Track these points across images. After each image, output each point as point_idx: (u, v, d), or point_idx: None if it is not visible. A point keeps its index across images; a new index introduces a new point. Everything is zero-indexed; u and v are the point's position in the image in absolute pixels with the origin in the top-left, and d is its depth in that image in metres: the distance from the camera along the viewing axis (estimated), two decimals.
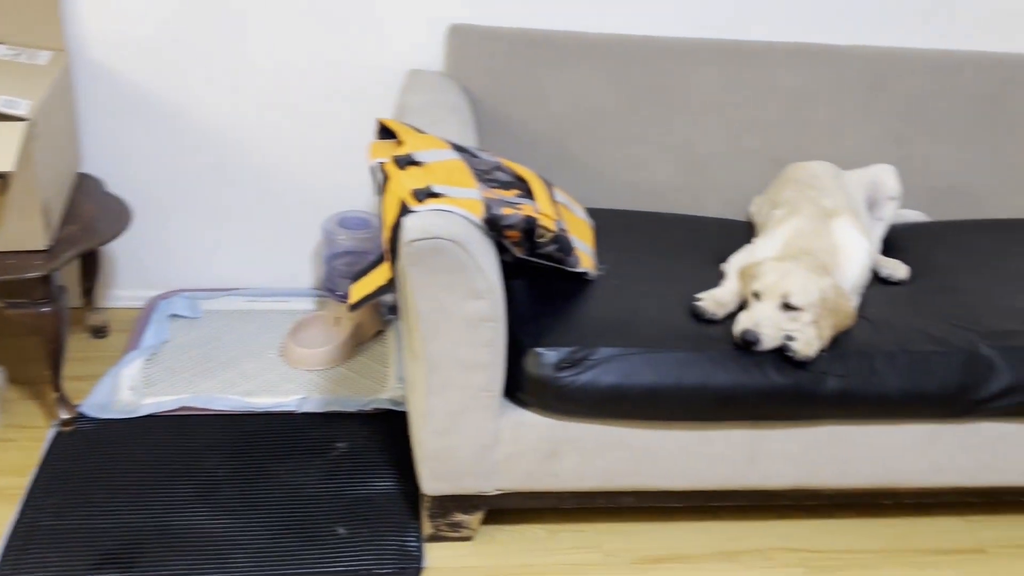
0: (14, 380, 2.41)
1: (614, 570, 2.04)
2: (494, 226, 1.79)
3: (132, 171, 2.62)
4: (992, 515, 2.26)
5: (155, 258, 2.75)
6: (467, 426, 1.89)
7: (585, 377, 1.86)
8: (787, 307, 1.91)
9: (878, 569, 2.09)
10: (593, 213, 2.40)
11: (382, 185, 1.89)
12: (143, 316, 2.66)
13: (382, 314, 2.72)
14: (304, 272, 2.83)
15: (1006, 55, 2.62)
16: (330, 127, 2.62)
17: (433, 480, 1.96)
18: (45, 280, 2.08)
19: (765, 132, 2.59)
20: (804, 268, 1.96)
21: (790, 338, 1.90)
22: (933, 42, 2.66)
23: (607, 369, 1.87)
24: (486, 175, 1.93)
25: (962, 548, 2.17)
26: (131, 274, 2.76)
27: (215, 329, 2.65)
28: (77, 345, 2.57)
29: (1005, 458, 2.08)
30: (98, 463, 2.16)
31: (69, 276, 2.63)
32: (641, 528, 2.15)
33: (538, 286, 2.02)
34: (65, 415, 2.25)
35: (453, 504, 2.01)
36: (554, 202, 2.02)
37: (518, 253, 1.95)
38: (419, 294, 1.76)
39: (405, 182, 1.80)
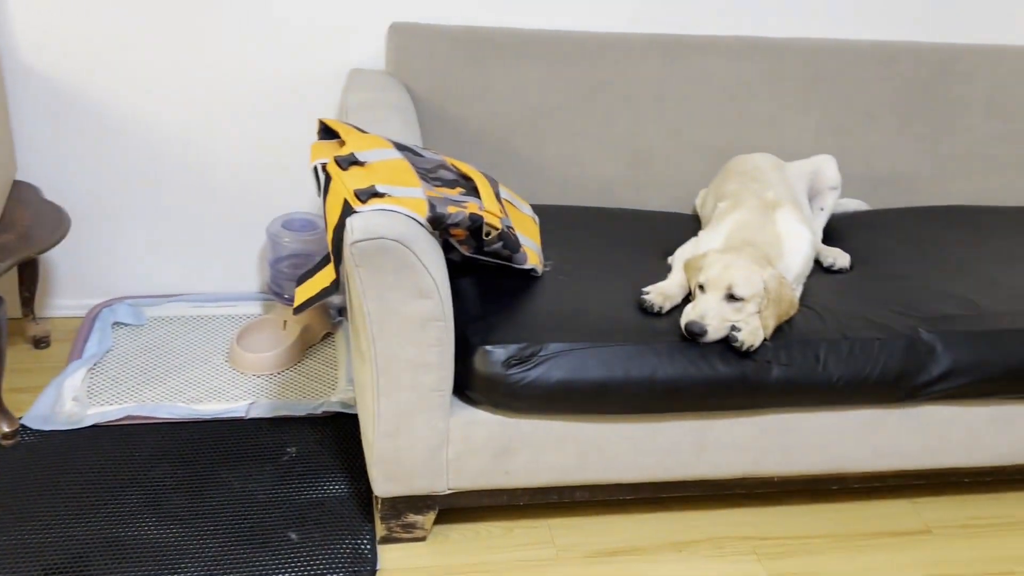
0: None
1: (568, 564, 2.04)
2: (439, 225, 1.79)
3: (70, 177, 2.57)
4: (936, 496, 2.31)
5: (96, 265, 2.70)
6: (417, 426, 1.89)
7: (534, 373, 1.86)
8: (731, 298, 1.94)
9: (828, 553, 2.13)
10: (538, 209, 2.41)
11: (325, 186, 1.88)
12: (85, 325, 2.62)
13: (330, 316, 2.70)
14: (250, 276, 2.80)
15: (940, 45, 2.68)
16: (271, 128, 2.60)
17: (385, 482, 1.95)
18: None
19: (707, 125, 2.62)
20: (747, 259, 1.98)
21: (735, 329, 1.92)
22: (868, 33, 2.71)
23: (556, 365, 1.87)
24: (430, 174, 1.92)
25: (909, 530, 2.21)
26: (72, 282, 2.71)
27: (160, 336, 2.62)
28: (18, 356, 2.52)
29: (947, 440, 2.13)
30: (42, 476, 2.12)
31: (8, 286, 2.58)
32: (594, 521, 2.16)
33: (485, 284, 2.02)
34: (7, 428, 2.20)
35: (406, 505, 2.01)
36: (499, 199, 2.02)
37: (465, 251, 1.95)
38: (365, 295, 1.75)
39: (348, 182, 1.79)
